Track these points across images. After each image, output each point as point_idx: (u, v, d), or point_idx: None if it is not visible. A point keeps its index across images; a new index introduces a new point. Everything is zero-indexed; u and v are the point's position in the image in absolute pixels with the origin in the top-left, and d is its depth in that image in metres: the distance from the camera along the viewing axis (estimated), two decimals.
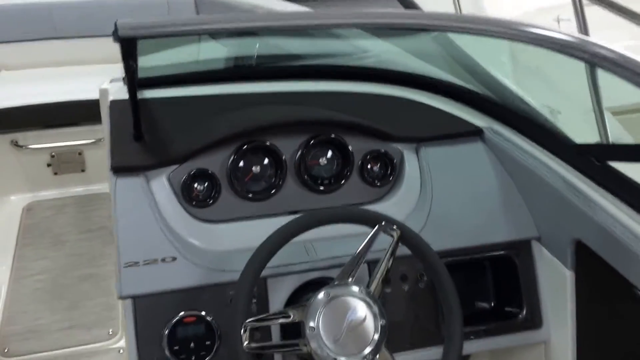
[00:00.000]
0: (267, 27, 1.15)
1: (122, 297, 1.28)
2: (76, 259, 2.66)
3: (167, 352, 1.29)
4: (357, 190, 1.55)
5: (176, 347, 1.30)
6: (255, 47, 1.85)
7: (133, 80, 1.29)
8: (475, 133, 1.60)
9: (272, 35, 1.77)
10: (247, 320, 1.13)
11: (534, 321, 1.52)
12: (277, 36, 1.81)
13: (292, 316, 1.20)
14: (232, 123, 1.49)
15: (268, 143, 1.48)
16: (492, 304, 1.59)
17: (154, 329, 1.30)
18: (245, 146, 1.46)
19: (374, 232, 1.24)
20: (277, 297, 1.38)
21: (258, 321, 1.15)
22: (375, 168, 1.56)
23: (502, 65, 1.82)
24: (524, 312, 1.51)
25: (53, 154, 2.95)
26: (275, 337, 1.35)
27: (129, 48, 1.10)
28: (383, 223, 1.25)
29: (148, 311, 1.30)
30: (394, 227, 1.24)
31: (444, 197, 1.51)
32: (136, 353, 1.28)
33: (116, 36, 1.01)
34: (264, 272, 1.36)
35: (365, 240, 1.24)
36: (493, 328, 1.52)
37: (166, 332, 1.29)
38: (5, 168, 3.07)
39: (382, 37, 1.90)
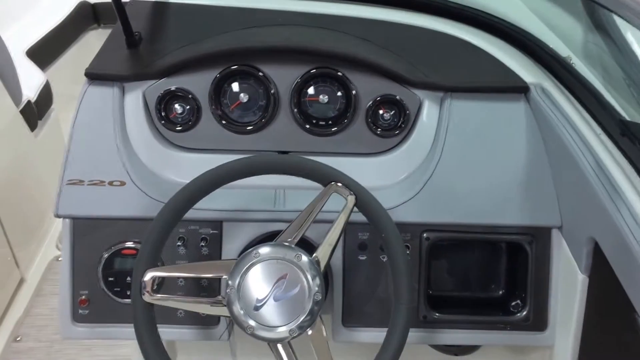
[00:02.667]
0: None
1: (58, 216, 1.22)
2: None
3: (101, 283, 1.23)
4: (359, 137, 1.34)
5: (111, 279, 1.23)
6: None
7: None
8: (519, 90, 1.30)
9: None
10: (151, 269, 1.02)
11: (537, 323, 1.27)
12: None
13: (215, 270, 1.08)
14: (226, 42, 1.33)
15: (261, 71, 1.30)
16: (501, 293, 1.35)
17: (91, 256, 1.23)
18: (231, 68, 1.29)
19: (323, 193, 1.06)
20: (232, 245, 1.25)
21: (164, 271, 1.04)
22: (387, 115, 1.33)
23: None
24: (527, 310, 1.27)
25: None
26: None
27: None
28: (337, 184, 1.05)
29: (87, 235, 1.23)
30: (350, 191, 1.05)
31: (455, 162, 1.26)
32: (69, 279, 1.23)
33: None
34: (220, 215, 1.24)
35: (313, 200, 1.06)
36: (492, 321, 1.31)
37: (102, 260, 1.23)
38: None
39: None
